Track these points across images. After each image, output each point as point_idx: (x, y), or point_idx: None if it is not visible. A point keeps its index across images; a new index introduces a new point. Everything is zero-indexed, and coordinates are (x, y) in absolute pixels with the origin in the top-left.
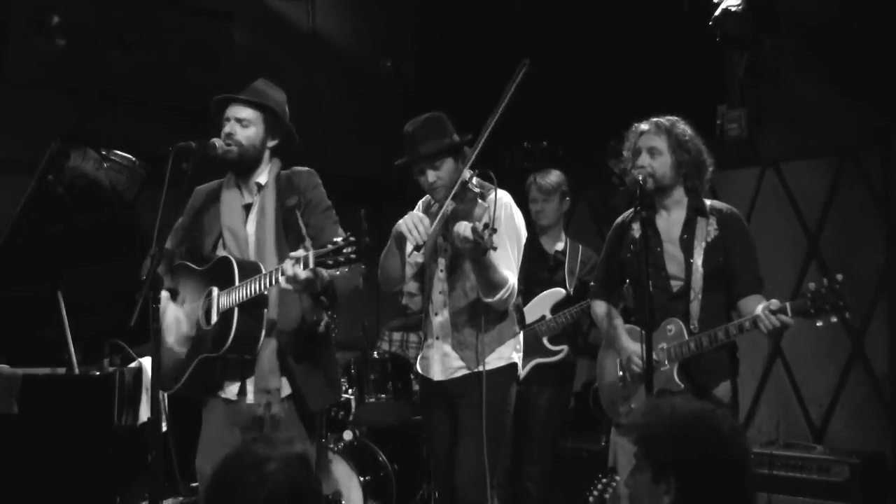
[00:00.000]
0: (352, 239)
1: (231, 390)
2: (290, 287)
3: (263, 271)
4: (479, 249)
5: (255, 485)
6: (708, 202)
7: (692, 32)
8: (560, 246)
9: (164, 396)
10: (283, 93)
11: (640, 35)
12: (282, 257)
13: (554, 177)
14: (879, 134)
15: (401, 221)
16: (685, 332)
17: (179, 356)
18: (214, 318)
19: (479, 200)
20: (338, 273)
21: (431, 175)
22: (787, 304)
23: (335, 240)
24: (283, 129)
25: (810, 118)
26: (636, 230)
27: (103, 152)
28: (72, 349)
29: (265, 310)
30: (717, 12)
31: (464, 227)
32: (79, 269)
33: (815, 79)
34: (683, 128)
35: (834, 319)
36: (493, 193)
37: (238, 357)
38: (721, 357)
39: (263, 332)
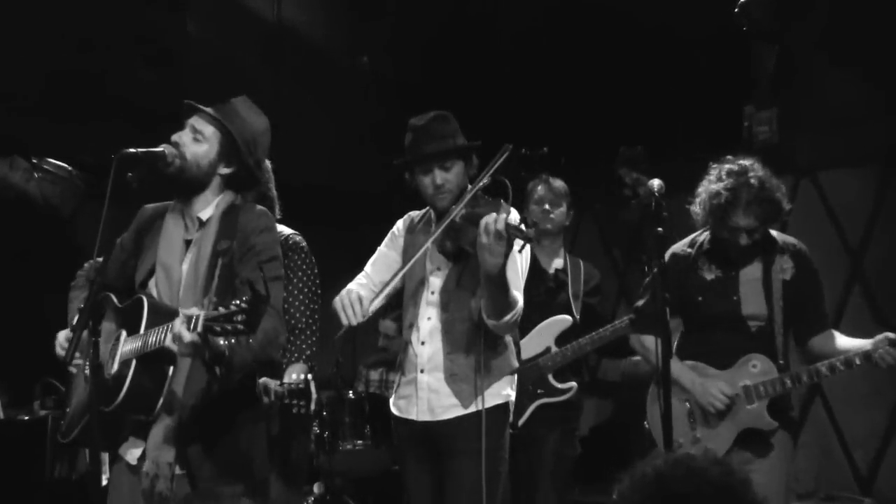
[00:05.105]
0: (244, 307)
1: (133, 453)
2: (174, 347)
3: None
4: (509, 247)
5: None
6: (775, 234)
7: (714, 23)
8: (559, 263)
9: None
10: (265, 120)
11: (653, 27)
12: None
13: (563, 183)
14: None
15: (336, 298)
16: (775, 368)
17: (78, 403)
18: (115, 368)
19: (503, 202)
20: (233, 342)
21: (440, 176)
22: None
23: (232, 304)
24: (241, 161)
25: (851, 120)
26: (706, 271)
27: (34, 161)
28: None
29: (170, 368)
30: None
31: (493, 219)
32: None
33: (855, 75)
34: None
35: None
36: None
37: (136, 416)
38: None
39: (164, 394)
